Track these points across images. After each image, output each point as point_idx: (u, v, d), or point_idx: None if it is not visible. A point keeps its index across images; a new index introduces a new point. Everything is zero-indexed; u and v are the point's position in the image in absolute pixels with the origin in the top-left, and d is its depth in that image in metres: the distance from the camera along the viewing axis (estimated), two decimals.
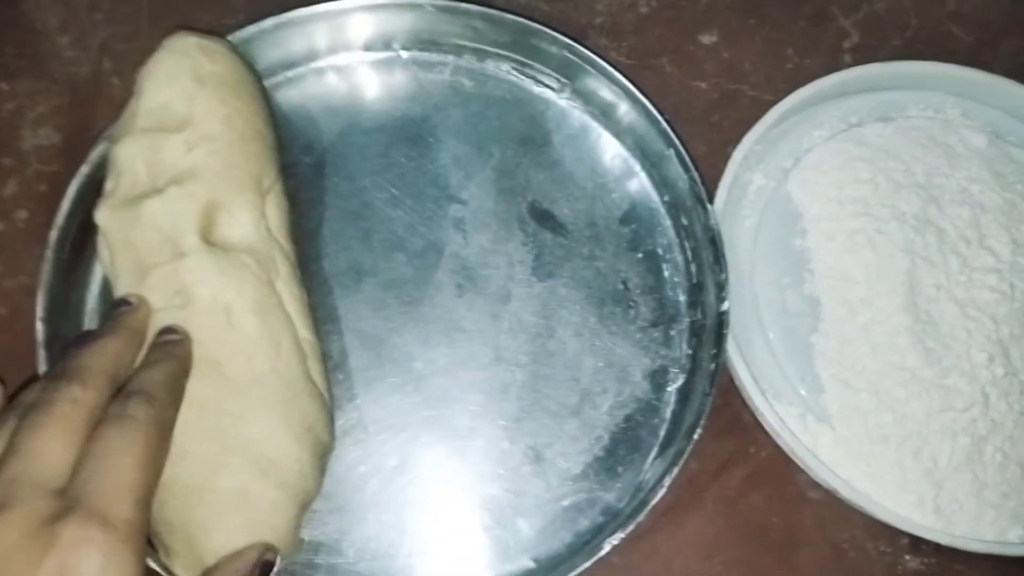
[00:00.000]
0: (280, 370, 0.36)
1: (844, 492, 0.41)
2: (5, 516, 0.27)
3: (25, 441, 0.29)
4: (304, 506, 0.37)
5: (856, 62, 0.50)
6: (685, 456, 0.38)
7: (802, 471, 0.43)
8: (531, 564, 0.40)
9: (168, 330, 0.35)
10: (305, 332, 0.39)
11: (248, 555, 0.33)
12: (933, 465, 0.42)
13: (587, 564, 0.37)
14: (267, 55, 0.46)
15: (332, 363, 0.42)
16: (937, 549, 0.42)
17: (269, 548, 0.34)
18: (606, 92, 0.46)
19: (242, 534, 0.34)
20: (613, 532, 0.37)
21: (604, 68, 0.44)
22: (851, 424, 0.43)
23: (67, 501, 0.28)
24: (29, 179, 0.47)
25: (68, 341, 0.41)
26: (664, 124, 0.44)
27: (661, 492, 0.38)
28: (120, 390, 0.33)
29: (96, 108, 0.49)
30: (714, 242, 0.42)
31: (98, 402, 0.31)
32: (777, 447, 0.43)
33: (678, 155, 0.43)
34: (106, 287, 0.42)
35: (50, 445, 0.29)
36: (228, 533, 0.34)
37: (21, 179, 0.47)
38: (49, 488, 0.28)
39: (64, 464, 0.29)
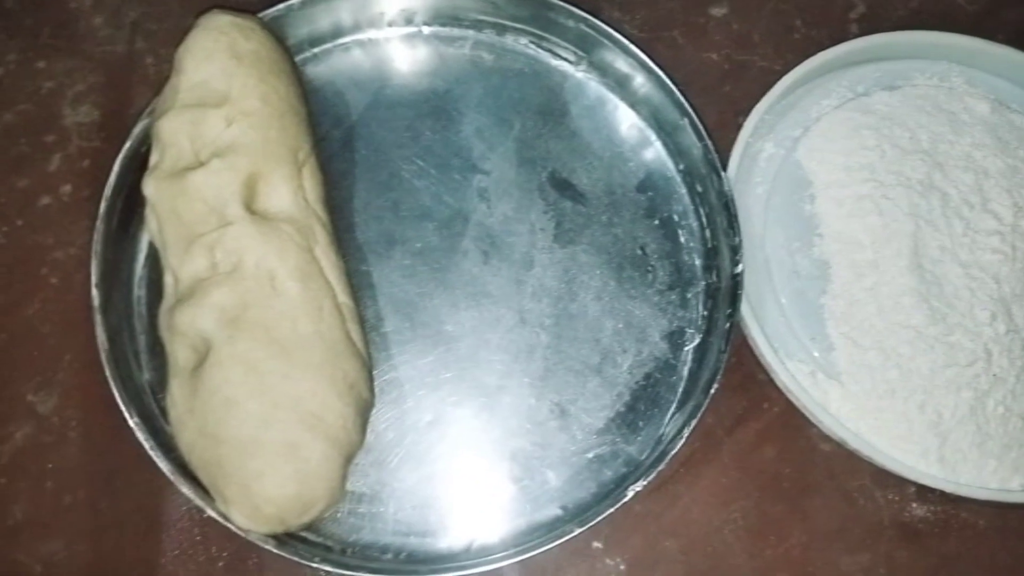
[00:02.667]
0: (323, 332, 0.39)
1: (853, 443, 0.43)
2: None
3: None
4: (349, 458, 0.39)
5: (863, 32, 0.52)
6: (702, 410, 0.40)
7: (813, 425, 0.45)
8: (559, 512, 0.42)
9: None
10: (344, 296, 0.41)
11: None
12: (938, 418, 0.44)
13: (611, 510, 0.39)
14: (295, 32, 0.48)
15: (368, 326, 0.44)
16: (942, 497, 0.44)
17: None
18: (621, 64, 0.48)
19: (293, 483, 0.36)
20: (635, 481, 0.40)
21: (619, 41, 0.46)
22: (859, 380, 0.45)
23: None
24: (72, 155, 0.49)
25: (118, 306, 0.43)
26: (678, 94, 0.45)
27: (680, 443, 0.40)
28: None
29: (131, 86, 0.51)
30: (728, 207, 0.44)
31: None
32: (789, 402, 0.45)
33: (692, 124, 0.45)
34: (152, 255, 0.44)
35: None
36: (281, 481, 0.36)
37: (64, 155, 0.49)
38: None
39: None
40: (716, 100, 0.51)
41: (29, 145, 0.49)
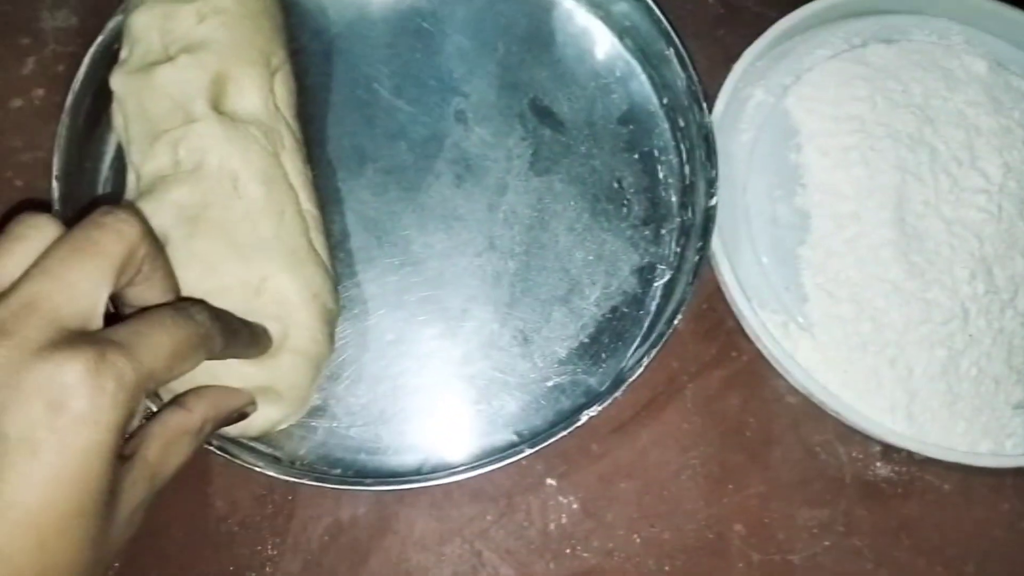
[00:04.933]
0: (283, 236, 0.38)
1: (819, 395, 0.43)
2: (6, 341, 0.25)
3: (58, 263, 0.27)
4: (319, 369, 0.38)
5: None
6: (664, 339, 0.40)
7: (780, 376, 0.44)
8: (514, 437, 0.42)
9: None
10: (308, 205, 0.40)
11: (238, 396, 0.35)
12: (908, 373, 0.43)
13: (564, 433, 0.39)
14: None
15: (333, 241, 0.43)
16: (908, 458, 0.44)
17: (252, 402, 0.36)
18: None
19: (269, 394, 0.36)
20: (591, 407, 0.39)
21: None
22: (831, 332, 0.44)
23: (84, 337, 0.26)
24: (46, 59, 0.48)
25: (79, 205, 0.43)
26: (665, 23, 0.44)
27: (639, 371, 0.39)
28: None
29: None
30: (707, 140, 0.43)
31: (141, 246, 0.29)
32: (758, 352, 0.44)
33: (677, 54, 0.44)
34: (119, 157, 0.44)
35: (81, 276, 0.27)
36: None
37: (39, 58, 0.48)
38: (68, 324, 0.26)
39: (91, 304, 0.27)
40: (708, 44, 0.49)
41: (3, 47, 0.48)
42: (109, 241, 0.28)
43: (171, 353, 0.28)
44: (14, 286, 0.27)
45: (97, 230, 0.28)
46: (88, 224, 0.28)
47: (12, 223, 0.29)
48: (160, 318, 0.29)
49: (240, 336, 0.34)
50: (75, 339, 0.26)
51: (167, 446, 0.31)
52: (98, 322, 0.27)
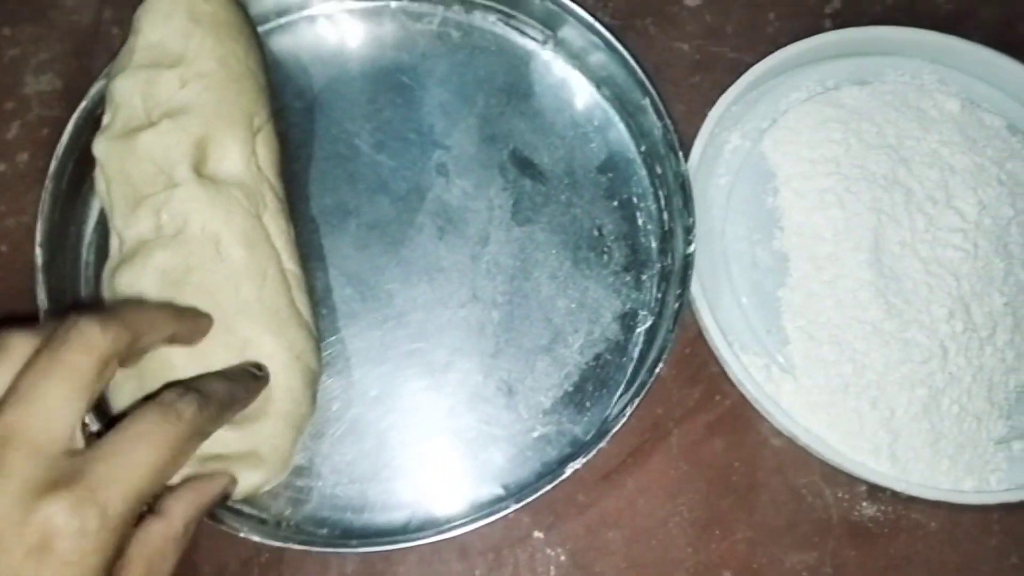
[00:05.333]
0: (265, 298, 0.38)
1: (803, 438, 0.43)
2: None
3: (30, 388, 0.27)
4: (301, 430, 0.39)
5: (836, 27, 0.51)
6: (647, 388, 0.40)
7: (764, 419, 0.44)
8: (501, 491, 0.42)
9: (257, 366, 0.37)
10: (291, 264, 0.40)
11: (216, 483, 0.34)
12: (890, 414, 0.43)
13: (549, 488, 0.39)
14: (262, 2, 0.47)
15: (317, 298, 0.44)
16: (894, 497, 0.44)
17: (232, 481, 0.35)
18: (587, 44, 0.47)
19: (251, 458, 0.36)
20: (576, 459, 0.39)
21: (585, 19, 0.46)
22: (813, 374, 0.44)
23: (65, 469, 0.26)
24: (31, 123, 0.49)
25: (64, 269, 0.43)
26: (641, 74, 0.45)
27: (623, 421, 0.39)
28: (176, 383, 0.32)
29: (96, 56, 0.50)
30: (684, 188, 0.43)
31: (114, 354, 0.29)
32: (741, 396, 0.45)
33: (653, 104, 0.45)
34: (103, 222, 0.44)
35: (55, 399, 0.27)
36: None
37: (23, 123, 0.49)
38: (48, 452, 0.26)
39: (69, 425, 0.27)
40: (686, 90, 0.50)
41: None
42: (78, 358, 0.27)
43: (159, 466, 0.28)
44: None
45: (64, 348, 0.27)
46: (55, 343, 0.28)
47: None
48: (143, 430, 0.28)
49: (233, 407, 0.34)
50: (58, 476, 0.26)
51: (152, 562, 0.29)
52: (78, 438, 0.27)
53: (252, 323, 0.38)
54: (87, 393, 0.27)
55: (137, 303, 0.36)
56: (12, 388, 0.27)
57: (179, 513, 0.31)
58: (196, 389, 0.31)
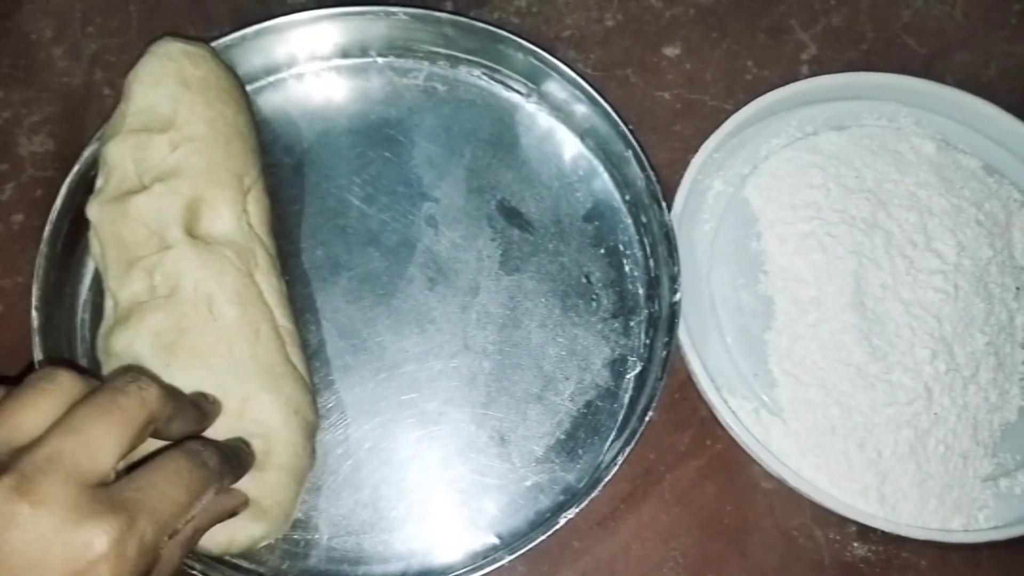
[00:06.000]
0: (260, 356, 0.39)
1: (793, 481, 0.43)
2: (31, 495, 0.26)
3: (83, 421, 0.29)
4: (302, 483, 0.39)
5: (814, 73, 0.53)
6: (638, 436, 0.40)
7: (755, 462, 0.45)
8: (495, 540, 0.42)
9: (245, 442, 0.38)
10: (284, 320, 0.41)
11: (234, 499, 0.36)
12: (877, 456, 0.44)
13: (543, 538, 0.39)
14: (249, 61, 0.48)
15: (310, 351, 0.44)
16: (884, 537, 0.44)
17: (245, 502, 0.37)
18: (569, 96, 0.48)
19: (253, 510, 0.37)
20: (569, 508, 0.39)
21: (567, 73, 0.47)
22: (801, 417, 0.45)
23: (104, 498, 0.27)
24: (25, 184, 0.49)
25: (60, 329, 0.43)
26: (623, 127, 0.46)
27: (614, 470, 0.40)
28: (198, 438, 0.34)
29: (88, 117, 0.51)
30: (668, 237, 0.44)
31: (159, 418, 0.31)
32: (731, 439, 0.45)
33: (636, 156, 0.46)
34: (98, 280, 0.44)
35: (105, 435, 0.29)
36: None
37: (17, 184, 0.49)
38: (89, 481, 0.28)
39: (112, 457, 0.28)
40: (667, 138, 0.51)
41: None
42: (132, 407, 0.30)
43: (186, 503, 0.30)
44: (39, 440, 0.28)
45: (123, 396, 0.30)
46: (114, 389, 0.30)
47: (37, 376, 0.30)
48: (175, 469, 0.30)
49: (246, 466, 0.36)
50: (99, 503, 0.27)
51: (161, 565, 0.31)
52: (112, 477, 0.29)
53: (248, 381, 0.38)
54: (132, 439, 0.29)
55: (178, 391, 0.36)
56: (65, 417, 0.29)
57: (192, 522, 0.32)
58: (223, 447, 0.34)
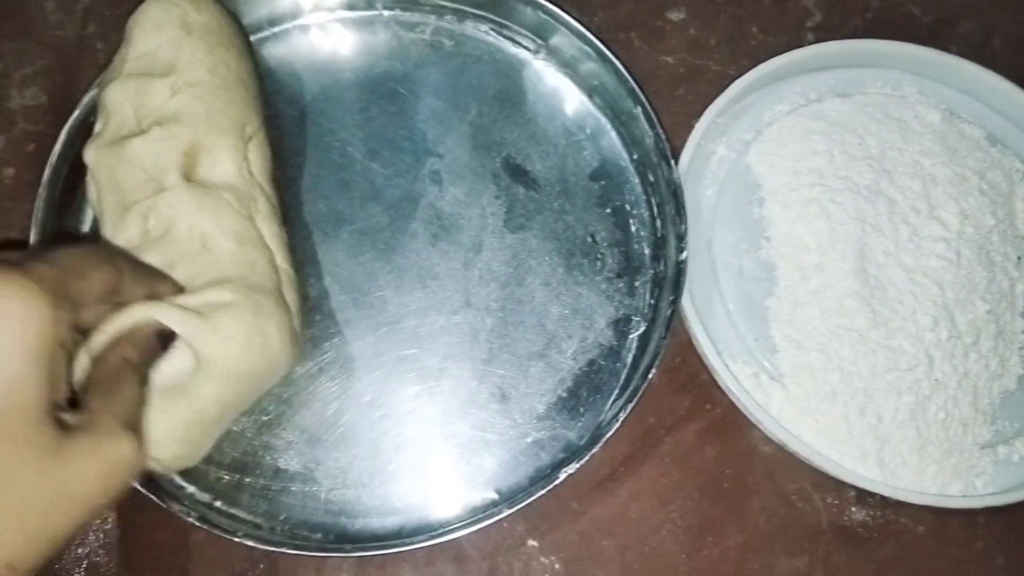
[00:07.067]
0: (255, 286, 0.37)
1: (793, 446, 0.43)
2: None
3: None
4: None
5: (818, 40, 0.52)
6: (640, 394, 0.40)
7: (754, 426, 0.45)
8: (494, 495, 0.42)
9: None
10: (284, 264, 0.40)
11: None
12: (877, 421, 0.44)
13: (542, 493, 0.39)
14: (254, 10, 0.48)
15: (311, 304, 0.43)
16: (882, 502, 0.44)
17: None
18: (578, 52, 0.48)
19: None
20: (569, 464, 0.39)
21: (576, 28, 0.47)
22: (801, 382, 0.45)
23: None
24: (16, 138, 0.49)
25: None
26: (632, 83, 0.46)
27: (616, 427, 0.40)
28: None
29: (80, 71, 0.50)
30: (676, 195, 0.44)
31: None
32: (731, 404, 0.45)
33: (645, 113, 0.45)
34: (96, 230, 0.44)
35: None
36: None
37: (8, 138, 0.49)
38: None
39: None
40: (670, 103, 0.51)
41: None
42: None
43: (93, 266, 0.31)
44: None
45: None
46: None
47: None
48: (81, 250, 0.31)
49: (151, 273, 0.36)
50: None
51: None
52: None
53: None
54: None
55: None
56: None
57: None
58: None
